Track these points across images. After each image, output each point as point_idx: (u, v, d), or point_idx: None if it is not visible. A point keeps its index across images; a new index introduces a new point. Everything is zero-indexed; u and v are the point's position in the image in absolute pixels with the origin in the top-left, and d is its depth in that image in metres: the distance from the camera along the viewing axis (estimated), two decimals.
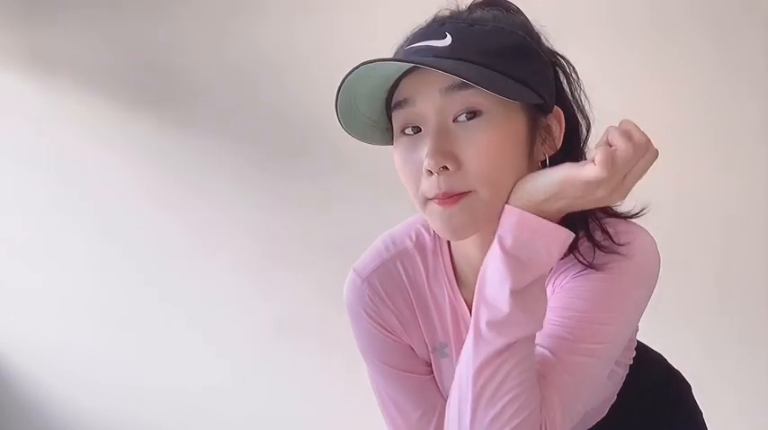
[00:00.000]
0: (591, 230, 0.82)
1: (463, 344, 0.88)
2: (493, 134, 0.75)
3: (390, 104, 0.79)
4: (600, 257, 0.81)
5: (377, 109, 0.80)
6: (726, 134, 1.92)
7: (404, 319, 0.92)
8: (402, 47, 0.81)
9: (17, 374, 2.51)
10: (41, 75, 2.33)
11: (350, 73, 0.73)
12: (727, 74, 1.88)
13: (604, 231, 0.82)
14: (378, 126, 0.82)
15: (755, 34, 1.85)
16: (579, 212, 0.80)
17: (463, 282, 0.89)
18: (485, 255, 0.80)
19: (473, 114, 0.75)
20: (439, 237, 0.90)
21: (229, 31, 2.18)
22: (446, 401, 0.95)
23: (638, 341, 1.04)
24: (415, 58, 0.76)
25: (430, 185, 0.75)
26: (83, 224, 2.40)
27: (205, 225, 2.32)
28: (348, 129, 0.80)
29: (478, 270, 0.80)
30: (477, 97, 0.74)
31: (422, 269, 0.91)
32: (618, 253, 0.80)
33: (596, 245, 0.81)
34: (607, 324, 0.80)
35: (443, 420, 0.92)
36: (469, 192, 0.75)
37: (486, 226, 0.78)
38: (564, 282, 0.83)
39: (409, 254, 0.92)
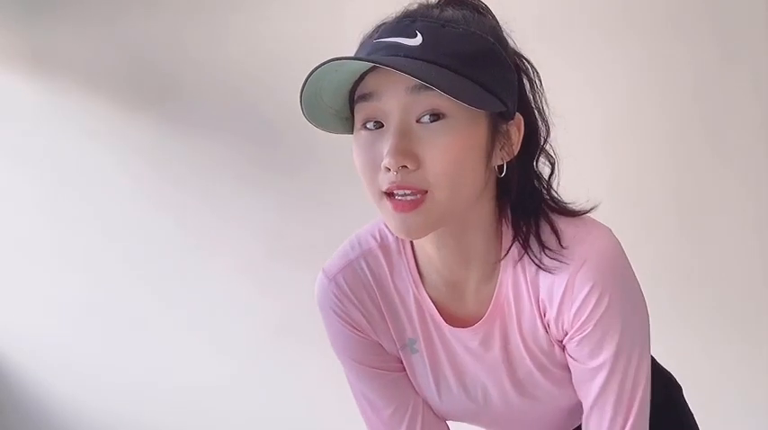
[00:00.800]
0: (540, 230, 0.85)
1: (431, 339, 0.91)
2: (455, 138, 0.75)
3: (354, 95, 0.79)
4: (547, 260, 0.84)
5: (340, 99, 0.80)
6: (725, 132, 1.91)
7: (371, 317, 0.94)
8: (370, 38, 0.80)
9: (17, 373, 2.51)
10: (41, 75, 2.33)
11: (318, 68, 0.73)
12: (728, 69, 1.87)
13: (554, 231, 0.84)
14: (339, 115, 0.82)
15: (757, 27, 1.84)
16: (531, 209, 0.84)
17: (426, 280, 0.91)
18: (442, 254, 0.85)
19: (436, 117, 0.75)
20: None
21: (230, 31, 2.18)
22: (419, 397, 0.97)
23: None
24: (383, 57, 0.76)
25: (386, 179, 0.76)
26: (82, 224, 2.40)
27: (206, 225, 2.32)
28: (310, 119, 0.80)
29: (439, 268, 0.86)
30: (442, 100, 0.74)
31: (386, 267, 0.92)
32: (562, 261, 0.82)
33: (543, 247, 0.84)
34: (637, 353, 0.85)
35: (416, 417, 0.97)
36: (425, 195, 0.76)
37: (441, 226, 0.80)
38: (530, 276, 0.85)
39: (373, 253, 0.93)
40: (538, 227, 0.85)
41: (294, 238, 2.26)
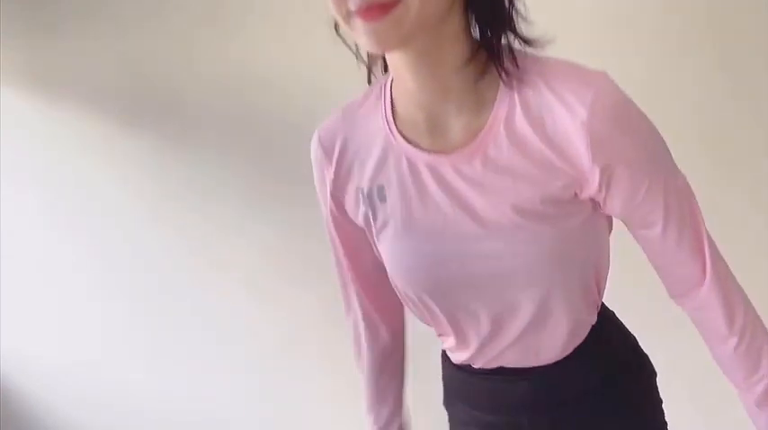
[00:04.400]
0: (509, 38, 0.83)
1: (403, 179, 0.90)
2: None
3: None
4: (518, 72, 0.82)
5: None
6: (728, 146, 1.89)
7: (340, 168, 0.95)
8: None
9: (24, 394, 2.51)
10: (42, 91, 2.34)
11: None
12: (732, 81, 1.85)
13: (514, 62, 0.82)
14: None
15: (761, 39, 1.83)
16: (497, 17, 0.81)
17: (403, 118, 0.89)
18: (419, 81, 0.82)
19: None
20: (385, 83, 0.92)
21: (232, 47, 2.19)
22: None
23: (614, 316, 1.07)
24: None
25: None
26: (82, 240, 2.40)
27: (209, 241, 2.32)
28: None
29: (418, 100, 0.84)
30: None
31: (361, 116, 0.93)
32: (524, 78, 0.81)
33: (504, 70, 0.82)
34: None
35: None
36: (397, 4, 0.73)
37: (413, 39, 0.77)
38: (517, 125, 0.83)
39: (353, 106, 0.95)
40: (507, 31, 0.82)
41: (297, 254, 2.25)
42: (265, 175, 2.23)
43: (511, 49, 0.83)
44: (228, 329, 2.35)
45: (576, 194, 0.85)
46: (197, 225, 2.31)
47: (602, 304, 1.04)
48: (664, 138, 0.88)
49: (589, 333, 0.99)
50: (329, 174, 0.96)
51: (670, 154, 0.89)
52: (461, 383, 1.06)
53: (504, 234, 0.86)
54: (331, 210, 1.00)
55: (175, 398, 2.42)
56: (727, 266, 0.94)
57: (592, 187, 0.84)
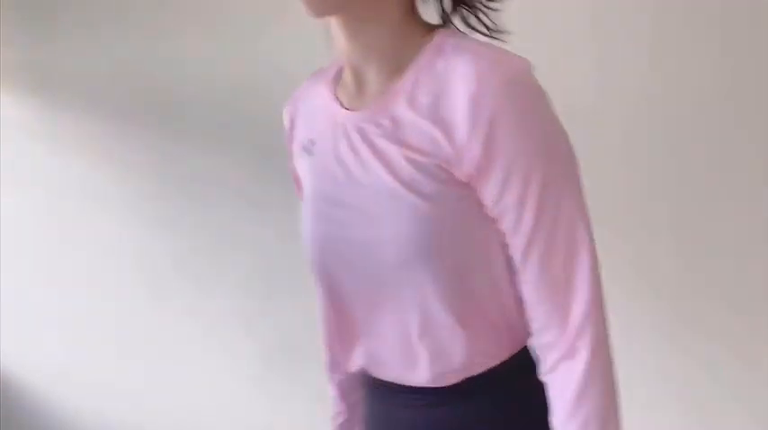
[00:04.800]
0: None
1: (329, 141, 0.91)
2: None
3: None
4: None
5: None
6: (731, 139, 1.88)
7: (292, 131, 1.02)
8: None
9: (20, 390, 2.51)
10: (40, 93, 2.35)
11: None
12: (737, 74, 1.84)
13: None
14: None
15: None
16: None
17: (343, 82, 0.93)
18: (349, 40, 0.87)
19: None
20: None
21: (230, 49, 2.19)
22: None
23: (537, 382, 0.86)
24: None
25: None
26: (81, 242, 2.40)
27: (205, 241, 2.32)
28: None
29: (348, 58, 0.89)
30: None
31: (323, 78, 0.98)
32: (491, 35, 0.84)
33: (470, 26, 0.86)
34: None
35: None
36: None
37: (349, 6, 0.83)
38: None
39: (321, 71, 1.00)
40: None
41: (296, 255, 2.25)
42: (264, 175, 2.23)
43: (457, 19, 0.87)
44: (228, 329, 2.35)
45: (453, 175, 0.82)
46: (196, 225, 2.31)
47: (531, 362, 0.89)
48: (574, 158, 0.82)
49: (485, 375, 0.89)
50: (287, 133, 1.04)
51: (576, 177, 0.82)
52: (366, 400, 1.04)
53: (380, 199, 0.85)
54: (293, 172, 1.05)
55: (175, 396, 2.42)
56: (612, 358, 0.82)
57: (467, 168, 0.80)
